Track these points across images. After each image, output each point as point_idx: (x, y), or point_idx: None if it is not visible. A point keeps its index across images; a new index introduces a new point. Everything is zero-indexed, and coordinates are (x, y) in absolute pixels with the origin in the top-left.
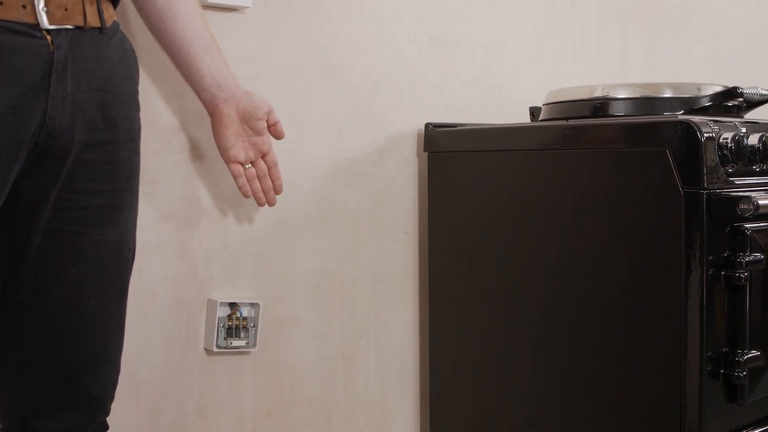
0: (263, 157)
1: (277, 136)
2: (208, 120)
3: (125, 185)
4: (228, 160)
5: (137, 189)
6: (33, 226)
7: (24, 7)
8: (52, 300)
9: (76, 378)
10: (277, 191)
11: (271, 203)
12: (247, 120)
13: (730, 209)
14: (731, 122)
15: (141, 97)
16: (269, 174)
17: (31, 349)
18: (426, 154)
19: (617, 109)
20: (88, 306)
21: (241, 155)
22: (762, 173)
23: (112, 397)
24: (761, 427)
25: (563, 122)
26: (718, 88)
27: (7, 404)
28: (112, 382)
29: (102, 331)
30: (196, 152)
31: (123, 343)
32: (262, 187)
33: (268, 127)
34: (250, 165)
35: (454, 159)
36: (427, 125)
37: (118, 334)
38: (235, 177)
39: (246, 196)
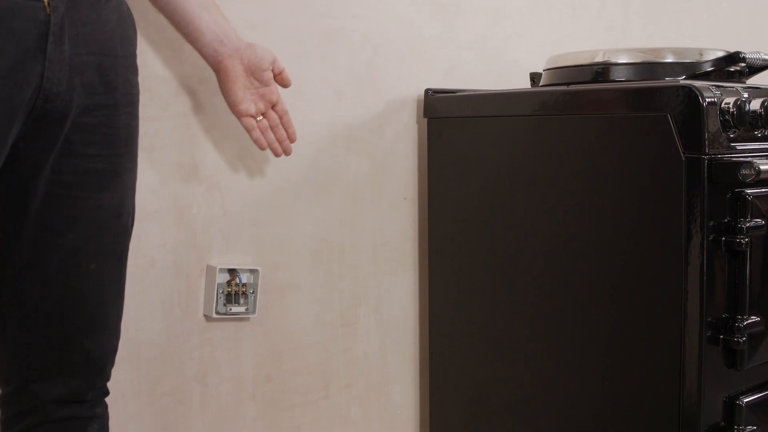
0: (273, 107)
1: (284, 84)
2: (206, 85)
3: (124, 149)
4: (239, 115)
5: (136, 153)
6: (31, 190)
7: None
8: (51, 264)
9: (76, 342)
10: (291, 139)
11: (287, 152)
12: (252, 72)
13: (732, 174)
14: (733, 87)
15: (139, 62)
16: (281, 122)
17: (31, 313)
18: (426, 120)
19: (618, 75)
20: (87, 270)
21: (252, 108)
22: (764, 139)
23: (112, 362)
24: (760, 392)
25: (564, 87)
26: (721, 53)
27: (8, 369)
28: (112, 346)
29: (101, 295)
30: (194, 117)
31: (123, 308)
32: (276, 137)
33: (274, 76)
34: (261, 117)
35: (454, 125)
36: (426, 91)
37: (117, 298)
38: (249, 131)
39: (262, 148)
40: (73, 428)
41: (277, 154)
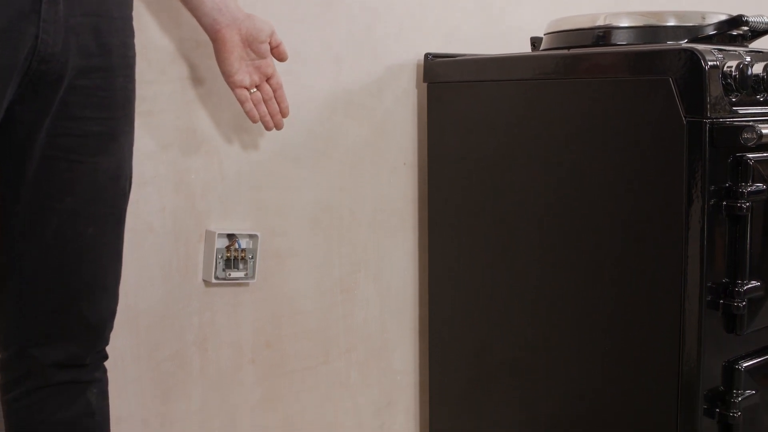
0: (268, 80)
1: (281, 57)
2: (203, 49)
3: (121, 113)
4: (233, 86)
5: (133, 117)
6: (28, 153)
7: None
8: (49, 228)
9: (74, 306)
10: (284, 114)
11: (278, 126)
12: (249, 43)
13: (733, 139)
14: (736, 51)
15: (136, 26)
16: (275, 96)
17: (29, 277)
18: (425, 85)
19: (620, 38)
20: (85, 234)
21: (246, 80)
22: (766, 103)
23: (110, 327)
24: (759, 357)
25: (564, 51)
26: (723, 17)
27: (6, 333)
28: (110, 311)
29: (99, 259)
30: (192, 82)
31: (121, 273)
32: (268, 110)
33: (271, 49)
34: (255, 89)
35: (454, 90)
36: (426, 56)
37: (115, 263)
38: (242, 102)
39: (254, 121)
40: (73, 392)
41: (268, 128)
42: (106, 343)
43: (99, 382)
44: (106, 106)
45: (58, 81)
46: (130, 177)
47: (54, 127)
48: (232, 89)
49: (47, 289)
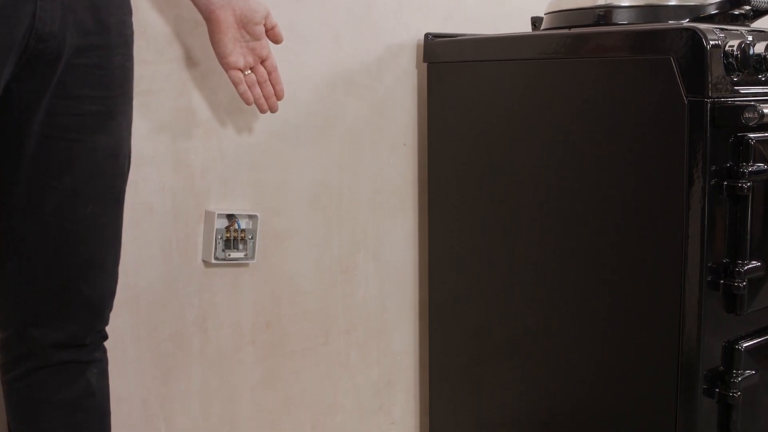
0: (262, 62)
1: (276, 40)
2: (202, 29)
3: (119, 91)
4: (227, 67)
5: (131, 96)
6: (25, 132)
7: None
8: (48, 208)
9: (73, 286)
10: (279, 96)
11: (273, 109)
12: (244, 25)
13: (735, 118)
14: (737, 30)
15: (133, 5)
16: (269, 79)
17: (28, 257)
18: (425, 64)
19: (621, 17)
20: (83, 214)
21: (240, 61)
22: (767, 82)
23: (110, 307)
24: (759, 337)
25: (565, 31)
26: None
27: (6, 313)
28: (110, 290)
29: (99, 238)
30: (190, 61)
31: (120, 252)
32: (263, 92)
33: (266, 31)
34: (249, 71)
35: (454, 69)
36: (426, 35)
37: (115, 242)
38: (236, 84)
39: (248, 103)
40: (73, 372)
41: (262, 111)
42: (106, 323)
43: (99, 362)
44: (104, 85)
45: (55, 60)
46: (129, 156)
47: (52, 106)
48: (226, 71)
49: (47, 269)
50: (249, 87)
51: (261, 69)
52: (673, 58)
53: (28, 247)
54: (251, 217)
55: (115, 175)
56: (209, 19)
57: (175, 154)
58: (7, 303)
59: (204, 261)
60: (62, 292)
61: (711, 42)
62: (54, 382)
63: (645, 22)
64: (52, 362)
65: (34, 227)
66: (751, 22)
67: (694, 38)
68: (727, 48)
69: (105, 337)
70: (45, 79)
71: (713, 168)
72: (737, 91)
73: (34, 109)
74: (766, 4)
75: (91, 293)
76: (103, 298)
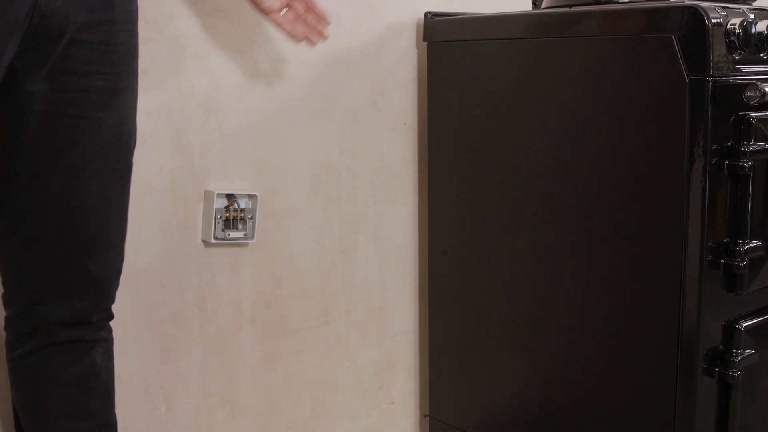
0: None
1: None
2: (201, 7)
3: (123, 67)
4: (265, 12)
5: (136, 72)
6: (30, 108)
7: None
8: (53, 185)
9: (79, 263)
10: (324, 21)
11: (322, 36)
12: None
13: (736, 97)
14: (739, 9)
15: None
16: (311, 11)
17: (34, 234)
18: (425, 44)
19: None
20: (89, 191)
21: (276, 4)
22: None
23: (116, 285)
24: (759, 317)
25: (566, 9)
26: None
27: (12, 290)
28: (116, 268)
29: (104, 215)
30: (190, 40)
31: (126, 230)
32: (307, 26)
33: None
34: (286, 9)
35: (455, 49)
36: (426, 14)
37: (120, 219)
38: (279, 25)
39: (297, 40)
40: (78, 351)
41: (312, 44)
42: (112, 301)
43: (105, 342)
44: (108, 61)
45: (59, 36)
46: (134, 133)
47: (56, 82)
48: (266, 15)
49: (52, 246)
50: (291, 25)
51: (296, 4)
52: (674, 36)
53: (34, 224)
54: (251, 196)
55: (120, 152)
56: None
57: (174, 133)
58: (13, 280)
59: (203, 241)
60: (68, 270)
61: (713, 20)
62: (59, 360)
63: (646, 0)
64: (58, 340)
65: (40, 204)
66: (753, 1)
67: (696, 16)
68: (728, 26)
69: (111, 316)
70: (49, 55)
71: (714, 147)
72: (739, 70)
73: (39, 85)
74: None
75: (96, 271)
76: (109, 275)
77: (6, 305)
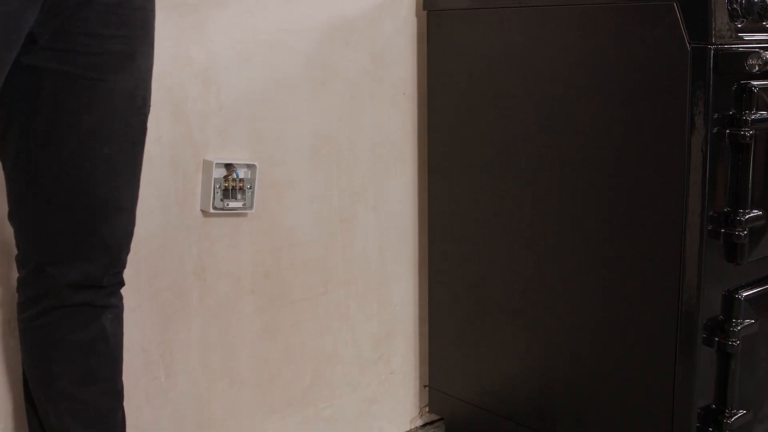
0: None
1: None
2: None
3: (140, 32)
4: None
5: (152, 38)
6: (47, 69)
7: None
8: (66, 147)
9: (91, 226)
10: None
11: None
12: None
13: (738, 65)
14: None
15: None
16: None
17: (46, 195)
18: (425, 13)
19: None
20: (101, 154)
21: None
22: None
23: (127, 250)
24: (759, 286)
25: None
26: None
27: (25, 251)
28: (126, 232)
29: (116, 179)
30: (187, 9)
31: (138, 194)
32: None
33: None
34: None
35: (454, 17)
36: None
37: (131, 183)
38: None
39: None
40: (88, 315)
41: None
42: (123, 266)
43: (115, 308)
44: (125, 25)
45: (77, 1)
46: (149, 99)
47: (74, 44)
48: None
49: (64, 208)
50: None
51: None
52: (676, 4)
53: (46, 186)
54: (250, 166)
55: (132, 116)
56: None
57: (172, 103)
58: (25, 241)
59: (202, 211)
60: (79, 232)
61: None
62: (69, 323)
63: None
64: (68, 303)
65: (53, 165)
66: None
67: None
68: None
69: (122, 282)
70: (67, 18)
71: (715, 116)
72: (741, 38)
73: (56, 47)
74: None
75: (107, 234)
76: (120, 239)
77: (19, 266)
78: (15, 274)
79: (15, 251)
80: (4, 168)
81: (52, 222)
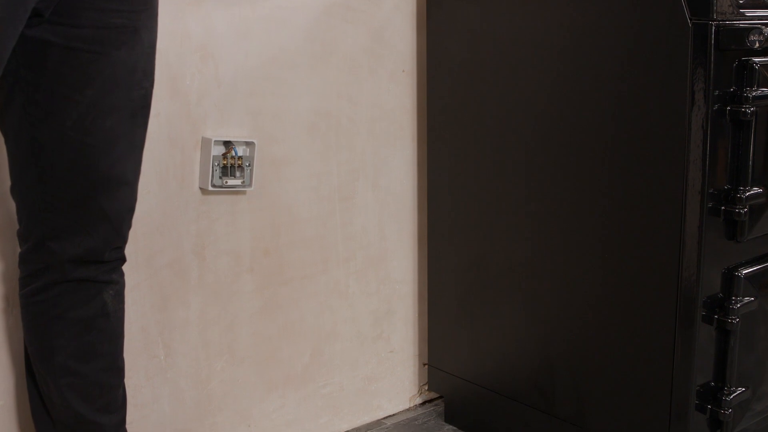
0: None
1: None
2: None
3: (143, 7)
4: None
5: (156, 13)
6: (51, 43)
7: None
8: (68, 120)
9: (92, 200)
10: None
11: None
12: None
13: (739, 41)
14: None
15: None
16: None
17: (48, 168)
18: None
19: None
20: (103, 127)
21: None
22: None
23: (129, 224)
24: (759, 264)
25: None
26: None
27: (27, 225)
28: (127, 206)
29: (117, 153)
30: None
31: (140, 169)
32: None
33: None
34: None
35: None
36: None
37: (133, 157)
38: None
39: None
40: (89, 291)
41: None
42: (124, 241)
43: (116, 285)
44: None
45: None
46: (151, 74)
47: (77, 18)
48: None
49: (65, 181)
50: None
51: None
52: None
53: (48, 159)
54: (248, 143)
55: (133, 90)
56: None
57: (170, 79)
58: (27, 215)
59: (201, 188)
60: (81, 205)
61: None
62: (70, 298)
63: None
64: (69, 278)
65: (54, 138)
66: None
67: None
68: None
69: (123, 258)
70: None
71: (716, 93)
72: (742, 14)
73: (60, 21)
74: None
75: (108, 208)
76: (121, 213)
77: (20, 241)
78: (17, 250)
79: (17, 226)
80: (6, 141)
81: (53, 195)
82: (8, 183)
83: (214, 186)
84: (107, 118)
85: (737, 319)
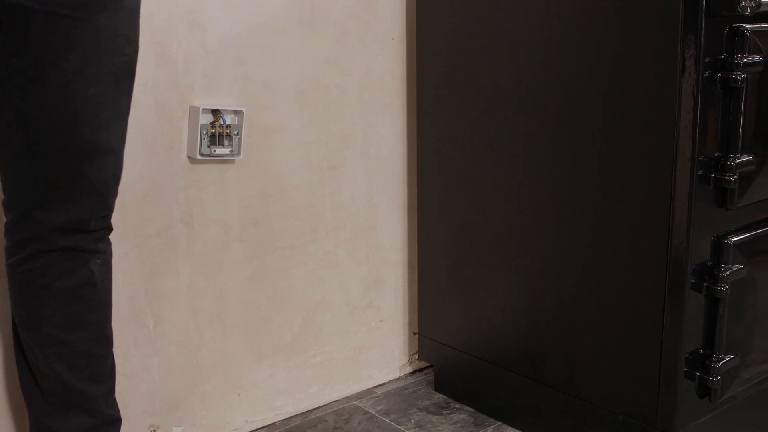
0: None
1: None
2: None
3: None
4: None
5: None
6: (32, 9)
7: None
8: (51, 88)
9: (77, 168)
10: None
11: None
12: None
13: (731, 6)
14: None
15: None
16: None
17: (32, 136)
18: None
19: None
20: (86, 94)
21: None
22: None
23: (114, 193)
24: (748, 232)
25: None
26: None
27: (11, 195)
28: (113, 174)
29: (101, 120)
30: None
31: (125, 137)
32: None
33: None
34: None
35: None
36: None
37: (117, 124)
38: None
39: None
40: (76, 260)
41: None
42: (111, 209)
43: (103, 254)
44: None
45: None
46: (135, 39)
47: None
48: None
49: (50, 149)
50: None
51: None
52: None
53: (32, 126)
54: (236, 112)
55: (116, 56)
56: None
57: (157, 47)
58: (12, 185)
59: (189, 157)
60: (65, 174)
61: None
62: (56, 268)
63: None
64: (56, 247)
65: (39, 105)
66: None
67: None
68: None
69: (110, 227)
70: None
71: (707, 59)
72: None
73: None
74: None
75: (94, 176)
76: (107, 181)
77: (5, 211)
78: (2, 219)
79: (1, 196)
80: None
81: (38, 164)
82: None
83: (202, 155)
84: (91, 85)
85: (726, 287)
